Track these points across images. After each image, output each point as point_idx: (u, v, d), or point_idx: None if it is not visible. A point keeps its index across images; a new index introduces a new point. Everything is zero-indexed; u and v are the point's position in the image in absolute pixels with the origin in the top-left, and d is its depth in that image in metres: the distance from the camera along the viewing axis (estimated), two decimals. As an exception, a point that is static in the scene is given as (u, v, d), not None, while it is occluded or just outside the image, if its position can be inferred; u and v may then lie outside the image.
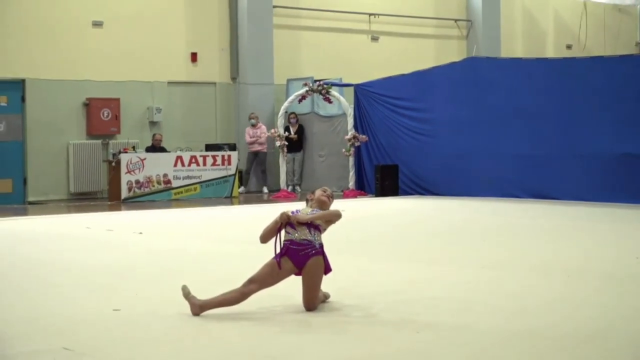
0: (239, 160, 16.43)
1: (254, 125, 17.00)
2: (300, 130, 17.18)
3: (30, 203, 15.32)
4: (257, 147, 16.99)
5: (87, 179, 16.08)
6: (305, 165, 17.48)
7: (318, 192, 5.52)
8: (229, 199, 15.66)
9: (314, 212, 5.35)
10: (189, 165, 15.71)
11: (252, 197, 16.35)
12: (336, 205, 11.00)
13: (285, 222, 5.23)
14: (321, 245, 5.27)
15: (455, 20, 21.19)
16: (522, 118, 14.15)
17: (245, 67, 17.71)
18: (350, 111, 16.45)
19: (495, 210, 12.45)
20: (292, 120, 16.97)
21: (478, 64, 15.24)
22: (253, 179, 17.22)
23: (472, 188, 14.64)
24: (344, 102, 16.53)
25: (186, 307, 5.27)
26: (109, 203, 14.93)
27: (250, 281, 5.17)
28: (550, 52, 22.28)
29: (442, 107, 15.35)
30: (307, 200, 5.57)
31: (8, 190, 15.39)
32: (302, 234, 5.19)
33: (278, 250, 5.22)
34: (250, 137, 16.97)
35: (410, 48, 20.27)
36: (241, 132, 17.34)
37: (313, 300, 5.18)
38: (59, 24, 16.07)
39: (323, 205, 5.45)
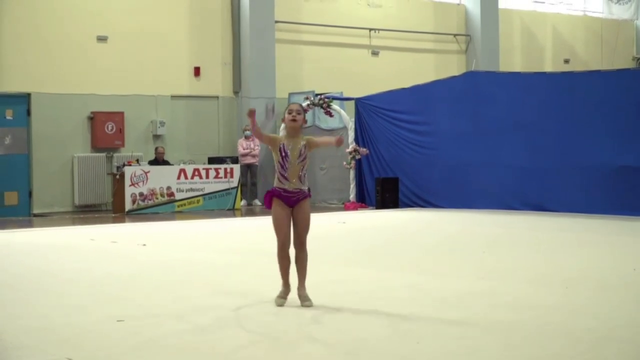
0: (240, 173, 16.59)
1: (247, 138, 17.16)
2: None
3: (36, 215, 15.46)
4: (249, 160, 17.12)
5: (91, 192, 16.24)
6: (305, 177, 17.63)
7: (287, 117, 5.80)
8: (232, 212, 15.81)
9: (302, 151, 5.71)
10: (192, 177, 15.88)
11: (254, 209, 16.48)
12: (337, 217, 11.15)
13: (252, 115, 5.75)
14: (309, 189, 5.85)
15: (455, 35, 21.40)
16: (522, 131, 14.29)
17: (247, 81, 17.90)
18: (351, 124, 16.62)
19: (495, 222, 12.53)
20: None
21: (478, 78, 15.40)
22: (246, 192, 17.24)
23: (472, 200, 14.77)
24: (344, 116, 16.70)
25: (188, 318, 5.38)
26: (113, 215, 15.08)
27: (283, 237, 5.70)
28: (548, 67, 22.46)
29: (442, 121, 15.50)
30: (282, 120, 6.11)
31: (14, 202, 15.55)
32: (293, 184, 5.72)
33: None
34: (244, 149, 17.11)
35: (410, 62, 20.47)
36: (242, 145, 17.49)
37: (305, 234, 5.73)
38: (64, 39, 16.28)
39: (294, 130, 5.78)
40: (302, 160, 5.74)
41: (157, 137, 17.11)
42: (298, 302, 5.72)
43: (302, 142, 5.77)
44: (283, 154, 5.72)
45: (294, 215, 5.73)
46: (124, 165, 15.42)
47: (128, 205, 15.11)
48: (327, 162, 17.29)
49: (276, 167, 5.79)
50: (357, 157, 16.42)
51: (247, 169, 17.10)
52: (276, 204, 5.73)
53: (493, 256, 8.49)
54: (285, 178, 5.71)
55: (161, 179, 15.52)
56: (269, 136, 5.94)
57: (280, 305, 5.68)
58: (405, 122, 16.08)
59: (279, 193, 5.73)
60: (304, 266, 5.74)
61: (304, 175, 5.78)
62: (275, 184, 5.77)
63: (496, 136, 14.65)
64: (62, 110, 16.13)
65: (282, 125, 17.03)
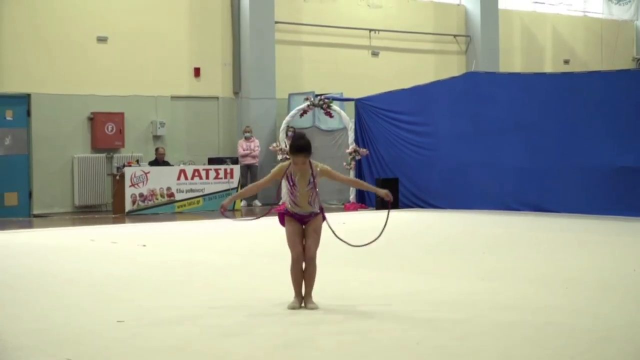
0: (240, 174, 16.60)
1: (247, 139, 17.17)
2: None
3: (36, 216, 15.46)
4: (249, 160, 17.14)
5: (91, 192, 16.25)
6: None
7: (292, 160, 5.68)
8: (232, 212, 15.81)
9: (310, 180, 5.65)
10: (192, 178, 15.88)
11: (254, 210, 16.48)
12: (337, 218, 11.16)
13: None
14: (321, 208, 5.83)
15: (455, 36, 21.41)
16: (522, 132, 14.30)
17: (247, 81, 17.91)
18: (351, 125, 16.63)
19: (495, 222, 12.54)
20: (289, 134, 17.14)
21: (478, 79, 15.41)
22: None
23: (472, 201, 14.77)
24: (344, 116, 16.71)
25: (188, 318, 5.38)
26: (113, 216, 15.08)
27: (296, 254, 5.70)
28: (548, 67, 22.47)
29: (442, 121, 15.51)
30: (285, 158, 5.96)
31: (14, 203, 15.56)
32: (305, 209, 5.71)
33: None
34: (244, 150, 17.13)
35: (410, 63, 20.48)
36: (242, 146, 17.50)
37: (314, 249, 5.74)
38: (64, 39, 16.29)
39: (304, 171, 5.67)
40: (312, 187, 5.69)
41: (157, 137, 17.12)
42: (305, 313, 5.68)
43: (317, 169, 5.73)
44: (291, 182, 5.70)
45: (305, 230, 5.77)
46: (124, 165, 15.43)
47: (128, 206, 15.11)
48: (326, 163, 17.21)
49: (286, 192, 5.79)
50: (357, 157, 16.43)
51: (247, 169, 17.12)
52: (288, 221, 5.77)
53: (493, 256, 8.49)
54: (296, 204, 5.72)
55: (161, 179, 15.53)
56: (269, 179, 5.87)
57: (293, 308, 5.70)
58: (405, 122, 16.09)
59: (291, 214, 5.76)
60: (311, 279, 5.76)
61: (315, 199, 5.74)
62: (287, 206, 5.78)
63: (496, 137, 14.65)
64: (62, 110, 16.13)
65: (282, 135, 17.09)
